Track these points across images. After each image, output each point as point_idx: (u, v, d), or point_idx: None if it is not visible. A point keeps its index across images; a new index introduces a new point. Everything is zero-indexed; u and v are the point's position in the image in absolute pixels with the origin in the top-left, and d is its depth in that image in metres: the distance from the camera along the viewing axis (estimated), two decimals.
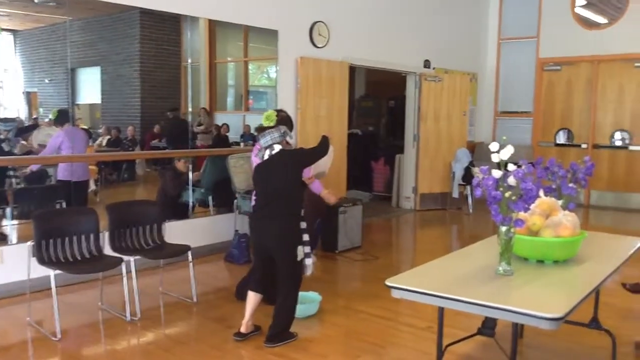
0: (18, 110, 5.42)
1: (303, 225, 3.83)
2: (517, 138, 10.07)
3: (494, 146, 2.51)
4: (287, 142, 3.77)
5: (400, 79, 9.01)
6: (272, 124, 3.69)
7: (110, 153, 5.97)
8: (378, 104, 11.21)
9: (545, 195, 3.02)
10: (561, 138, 9.89)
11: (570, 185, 3.13)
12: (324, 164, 4.17)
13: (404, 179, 9.08)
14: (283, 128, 3.70)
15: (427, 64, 8.89)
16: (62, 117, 5.27)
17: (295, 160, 3.73)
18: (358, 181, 9.74)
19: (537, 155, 3.35)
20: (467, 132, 9.47)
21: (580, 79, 9.58)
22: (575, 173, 3.18)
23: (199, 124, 6.49)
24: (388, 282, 2.48)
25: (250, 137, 6.99)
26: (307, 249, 3.85)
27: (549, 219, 2.81)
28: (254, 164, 4.04)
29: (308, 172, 4.10)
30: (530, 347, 3.74)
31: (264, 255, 3.75)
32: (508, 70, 10.28)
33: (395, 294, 2.47)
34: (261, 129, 3.70)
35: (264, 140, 3.63)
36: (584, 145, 9.57)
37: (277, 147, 3.64)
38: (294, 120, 6.69)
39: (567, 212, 2.90)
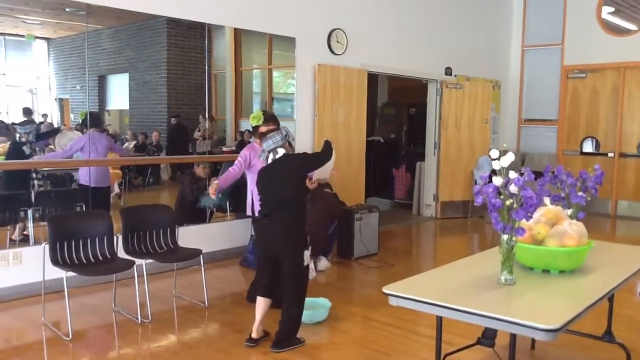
0: (49, 115, 5.54)
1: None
2: (541, 146, 9.93)
3: (494, 153, 2.48)
4: (290, 144, 3.78)
5: (421, 86, 8.96)
6: (259, 123, 3.84)
7: (121, 158, 6.08)
8: (399, 111, 11.17)
9: (553, 203, 2.96)
10: (587, 147, 9.69)
11: (580, 194, 3.07)
12: (326, 169, 4.17)
13: (425, 186, 9.01)
14: (284, 130, 3.71)
15: (448, 71, 8.83)
16: (90, 121, 5.35)
17: (299, 164, 3.74)
18: (379, 188, 9.74)
19: (561, 164, 3.27)
20: (490, 140, 9.35)
21: (606, 86, 9.38)
22: (585, 181, 3.11)
23: (199, 130, 6.53)
24: (385, 289, 2.46)
25: None
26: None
27: (554, 228, 2.75)
28: (244, 158, 4.16)
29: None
30: (540, 359, 3.67)
31: (271, 259, 3.76)
32: (532, 77, 10.12)
33: (393, 301, 2.45)
34: (262, 134, 3.73)
35: (266, 145, 3.65)
36: (610, 154, 9.36)
37: (281, 151, 3.65)
38: (311, 127, 6.80)
39: (573, 221, 2.84)
